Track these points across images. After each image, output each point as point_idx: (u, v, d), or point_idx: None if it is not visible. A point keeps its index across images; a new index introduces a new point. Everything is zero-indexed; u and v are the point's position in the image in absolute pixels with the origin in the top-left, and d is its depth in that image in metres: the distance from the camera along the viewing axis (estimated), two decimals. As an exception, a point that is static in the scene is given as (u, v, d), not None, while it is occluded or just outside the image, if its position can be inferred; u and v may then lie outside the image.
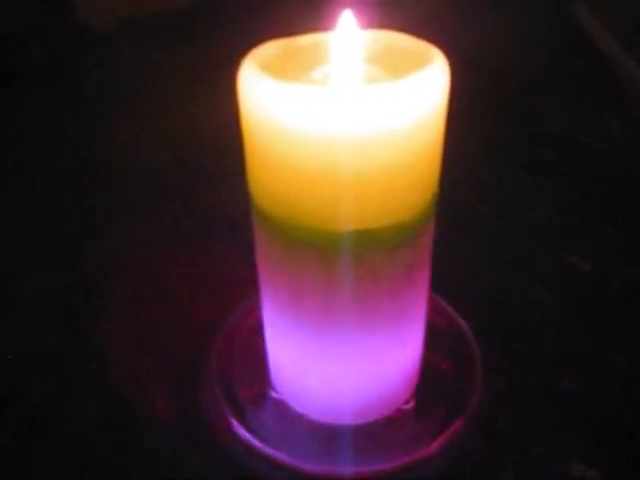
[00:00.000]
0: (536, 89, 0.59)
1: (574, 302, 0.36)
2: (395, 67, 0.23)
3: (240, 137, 0.24)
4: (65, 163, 0.50)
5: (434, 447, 0.28)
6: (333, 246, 0.23)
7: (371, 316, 0.25)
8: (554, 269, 0.39)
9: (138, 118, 0.55)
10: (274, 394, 0.30)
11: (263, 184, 0.24)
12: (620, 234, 0.42)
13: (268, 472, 0.28)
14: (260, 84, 0.21)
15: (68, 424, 0.30)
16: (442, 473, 0.28)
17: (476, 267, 0.39)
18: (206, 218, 0.43)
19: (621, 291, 0.37)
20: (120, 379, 0.32)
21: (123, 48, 0.66)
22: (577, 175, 0.47)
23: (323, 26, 0.25)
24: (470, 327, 0.33)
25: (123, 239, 0.42)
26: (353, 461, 0.28)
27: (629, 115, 0.54)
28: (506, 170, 0.48)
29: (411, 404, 0.30)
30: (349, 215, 0.22)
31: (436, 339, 0.32)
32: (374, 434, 0.29)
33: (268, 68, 0.22)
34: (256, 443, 0.29)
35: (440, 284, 0.30)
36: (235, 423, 0.29)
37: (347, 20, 0.23)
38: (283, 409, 0.30)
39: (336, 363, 0.27)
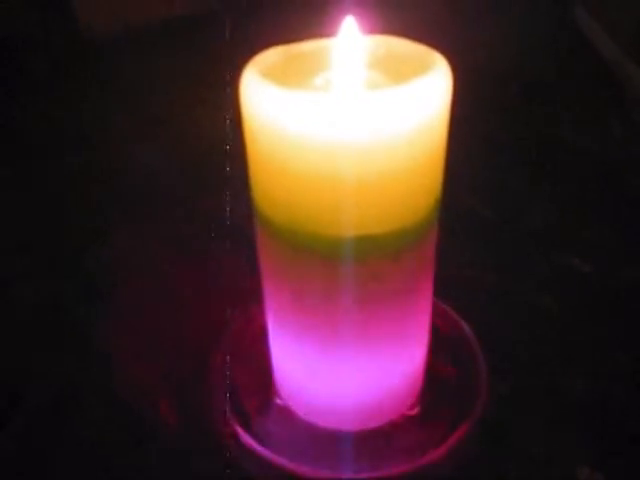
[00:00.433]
0: (537, 93, 0.59)
1: (577, 304, 0.36)
2: (397, 73, 0.23)
3: (243, 143, 0.24)
4: (66, 169, 0.50)
5: (440, 452, 0.28)
6: (336, 252, 0.23)
7: (374, 321, 0.25)
8: (556, 271, 0.39)
9: (140, 124, 0.55)
10: (278, 400, 0.30)
11: (265, 190, 0.24)
12: (621, 236, 0.42)
13: (273, 479, 0.28)
14: (262, 91, 0.21)
15: (72, 431, 0.30)
16: (448, 478, 0.28)
17: (479, 271, 0.39)
18: (209, 224, 0.43)
19: (623, 292, 0.37)
20: (124, 386, 0.32)
21: (124, 54, 0.66)
22: (578, 178, 0.47)
23: (325, 32, 0.25)
24: (473, 331, 0.33)
25: (126, 245, 0.42)
26: (358, 467, 0.28)
27: (630, 118, 0.54)
28: (508, 173, 0.48)
29: (416, 410, 0.30)
30: (351, 221, 0.22)
31: (440, 344, 0.32)
32: (379, 440, 0.29)
33: (270, 75, 0.22)
34: (260, 449, 0.28)
35: (443, 288, 0.30)
36: (240, 430, 0.29)
37: (349, 26, 0.24)
38: (288, 416, 0.30)
39: (340, 369, 0.27)
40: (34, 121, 0.57)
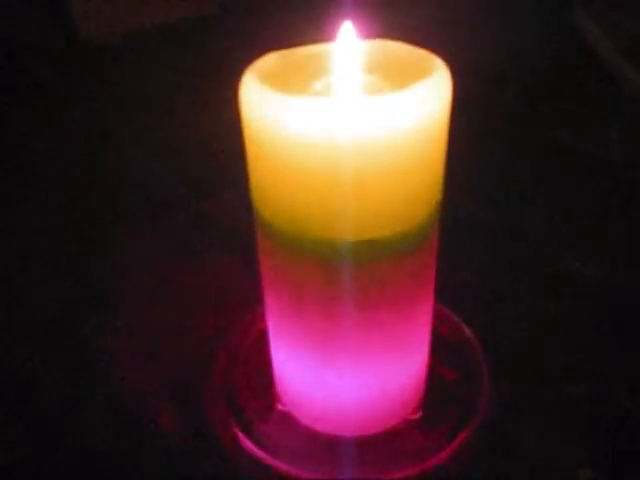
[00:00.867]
0: (536, 94, 0.59)
1: (579, 307, 0.36)
2: (397, 77, 0.23)
3: (242, 148, 0.24)
4: (67, 175, 0.50)
5: (443, 456, 0.28)
6: (336, 256, 0.23)
7: (376, 326, 0.25)
8: (557, 275, 0.39)
9: (140, 129, 0.55)
10: (280, 406, 0.30)
11: (266, 194, 0.24)
12: (622, 238, 0.41)
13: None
14: (262, 95, 0.21)
15: (75, 438, 0.30)
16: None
17: (480, 274, 0.39)
18: (209, 229, 0.44)
19: (625, 295, 0.37)
20: (125, 392, 0.32)
21: (124, 61, 0.66)
22: (578, 180, 0.47)
23: (324, 37, 0.25)
24: (475, 334, 0.33)
25: (127, 251, 0.42)
26: (361, 472, 0.28)
27: (629, 120, 0.54)
28: (508, 176, 0.48)
29: (418, 414, 0.30)
30: (352, 225, 0.22)
31: (442, 348, 0.32)
32: (381, 444, 0.29)
33: (269, 79, 0.22)
34: (262, 455, 0.28)
35: (444, 292, 0.30)
36: (241, 434, 0.29)
37: (347, 30, 0.24)
38: (289, 421, 0.30)
39: (341, 374, 0.27)
40: (34, 125, 0.57)
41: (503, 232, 0.42)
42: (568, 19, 0.68)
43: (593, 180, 0.47)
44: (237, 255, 0.40)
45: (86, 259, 0.41)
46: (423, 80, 0.21)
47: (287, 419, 0.30)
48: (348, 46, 0.24)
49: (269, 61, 0.24)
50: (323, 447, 0.29)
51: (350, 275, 0.24)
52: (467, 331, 0.33)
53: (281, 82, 0.22)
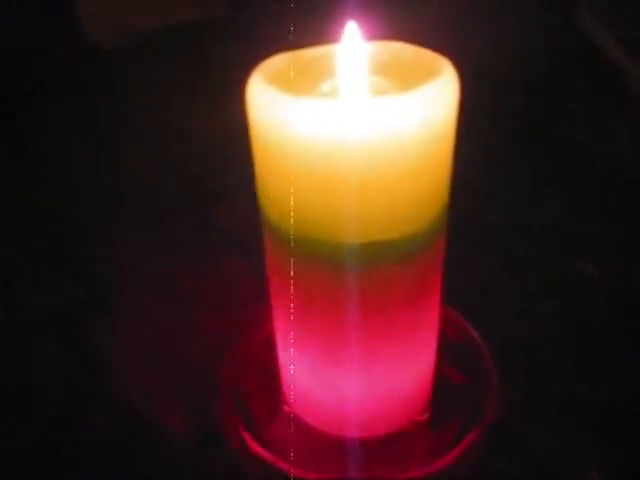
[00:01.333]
0: (540, 93, 0.59)
1: (587, 308, 0.36)
2: (404, 78, 0.23)
3: (249, 151, 0.24)
4: (72, 176, 0.50)
5: (450, 458, 0.28)
6: (343, 258, 0.23)
7: (383, 328, 0.25)
8: (565, 275, 0.38)
9: (147, 132, 0.55)
10: (286, 407, 0.30)
11: (273, 197, 0.24)
12: (629, 238, 0.41)
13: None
14: (269, 98, 0.21)
15: (79, 440, 0.30)
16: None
17: (487, 276, 0.38)
18: (216, 231, 0.44)
19: (633, 295, 0.37)
20: (132, 394, 0.32)
21: (130, 63, 0.66)
22: (585, 180, 0.47)
23: (330, 39, 0.25)
24: (483, 337, 0.33)
25: (133, 253, 0.42)
26: (367, 474, 0.28)
27: (636, 119, 0.54)
28: (513, 176, 0.48)
29: (425, 415, 0.30)
30: (360, 227, 0.22)
31: (449, 350, 0.32)
32: (388, 445, 0.28)
33: (276, 81, 0.22)
34: (268, 456, 0.28)
35: (451, 294, 0.30)
36: (247, 436, 0.29)
37: (352, 32, 0.24)
38: (295, 422, 0.30)
39: (348, 375, 0.27)
40: (39, 126, 0.57)
41: (509, 233, 0.42)
42: (573, 19, 0.68)
43: (600, 180, 0.47)
44: (244, 257, 0.40)
45: (89, 260, 0.41)
46: (430, 81, 0.21)
47: (294, 420, 0.30)
48: (355, 47, 0.23)
49: (276, 63, 0.24)
50: (329, 448, 0.29)
51: (357, 277, 0.24)
52: (474, 332, 0.33)
53: (288, 84, 0.22)
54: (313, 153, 0.21)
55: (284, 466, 0.28)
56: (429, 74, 0.22)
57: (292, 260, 0.24)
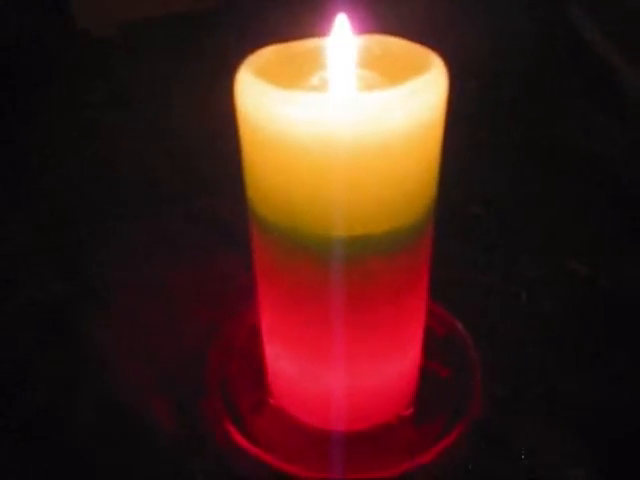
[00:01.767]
0: (532, 90, 0.59)
1: (574, 306, 0.36)
2: (393, 72, 0.23)
3: (238, 143, 0.24)
4: (63, 170, 0.50)
5: (434, 452, 0.28)
6: (331, 251, 0.23)
7: (369, 321, 0.25)
8: (554, 273, 0.39)
9: (137, 124, 0.55)
10: (272, 400, 0.30)
11: (260, 190, 0.24)
12: (620, 238, 0.41)
13: (265, 478, 0.28)
14: (257, 90, 0.21)
15: (67, 432, 0.30)
16: (442, 479, 0.28)
17: (474, 272, 0.39)
18: (204, 224, 0.43)
19: (622, 295, 0.37)
20: (118, 387, 0.32)
21: (121, 53, 0.66)
22: (576, 179, 0.47)
23: (319, 32, 0.24)
24: (468, 331, 0.33)
25: (121, 246, 0.42)
26: (351, 468, 0.28)
27: (628, 118, 0.54)
28: (503, 173, 0.48)
29: (410, 410, 0.30)
30: (347, 220, 0.22)
31: (435, 344, 0.32)
32: (372, 440, 0.29)
33: (265, 74, 0.22)
34: (253, 449, 0.28)
35: (439, 289, 0.30)
36: (232, 429, 0.29)
37: (342, 25, 0.23)
38: (281, 415, 0.30)
39: (333, 368, 0.27)
40: (30, 117, 0.57)
41: (498, 229, 0.42)
42: (564, 14, 0.68)
43: (592, 179, 0.47)
44: (231, 250, 0.40)
45: (81, 254, 0.41)
46: (419, 75, 0.21)
47: (279, 413, 0.30)
48: (344, 41, 0.23)
49: (264, 56, 0.24)
50: (314, 441, 0.29)
51: (344, 270, 0.24)
52: (460, 328, 0.33)
53: (276, 77, 0.22)
54: (301, 146, 0.21)
55: (269, 459, 0.28)
56: (418, 68, 0.22)
57: (279, 252, 0.24)
